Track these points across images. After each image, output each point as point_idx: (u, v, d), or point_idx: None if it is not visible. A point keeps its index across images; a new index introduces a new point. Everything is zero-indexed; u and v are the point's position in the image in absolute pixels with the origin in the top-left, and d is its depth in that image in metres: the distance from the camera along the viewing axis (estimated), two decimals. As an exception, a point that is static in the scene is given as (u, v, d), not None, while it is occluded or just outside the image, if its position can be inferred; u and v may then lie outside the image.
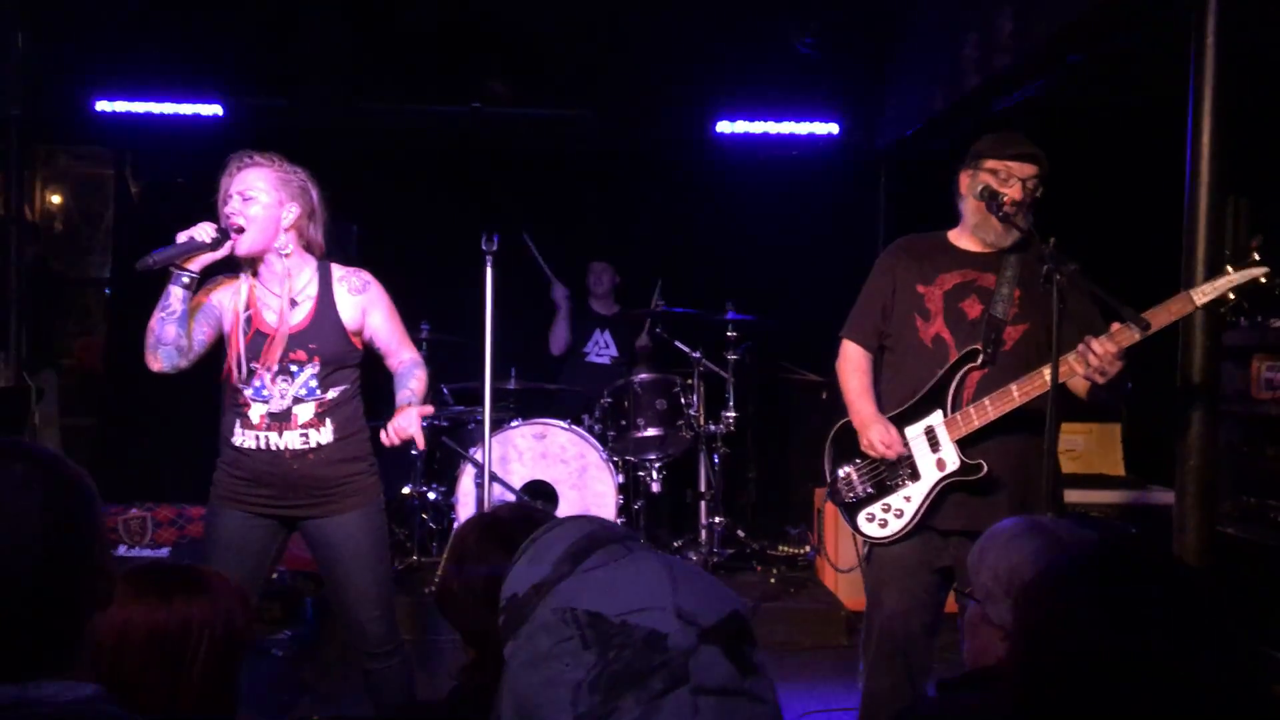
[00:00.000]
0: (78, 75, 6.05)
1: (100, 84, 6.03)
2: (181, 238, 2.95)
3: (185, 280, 2.97)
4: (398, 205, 6.37)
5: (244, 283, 3.10)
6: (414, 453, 5.64)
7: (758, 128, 6.29)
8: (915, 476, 3.10)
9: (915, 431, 3.10)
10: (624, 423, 5.64)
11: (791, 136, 6.33)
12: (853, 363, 3.28)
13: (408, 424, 3.05)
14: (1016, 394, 2.94)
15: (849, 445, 3.23)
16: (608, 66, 6.13)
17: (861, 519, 3.17)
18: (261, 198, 3.03)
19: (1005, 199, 3.00)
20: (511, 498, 5.34)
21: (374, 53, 5.88)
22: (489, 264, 3.73)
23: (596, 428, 5.70)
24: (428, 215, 6.52)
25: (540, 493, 5.46)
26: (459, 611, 1.88)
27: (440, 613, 1.93)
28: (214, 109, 5.97)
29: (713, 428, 5.71)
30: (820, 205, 6.72)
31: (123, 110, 6.07)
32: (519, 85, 6.09)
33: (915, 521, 3.08)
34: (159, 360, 3.00)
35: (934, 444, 3.08)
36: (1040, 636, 1.16)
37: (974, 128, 5.25)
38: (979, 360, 3.04)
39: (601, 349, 6.45)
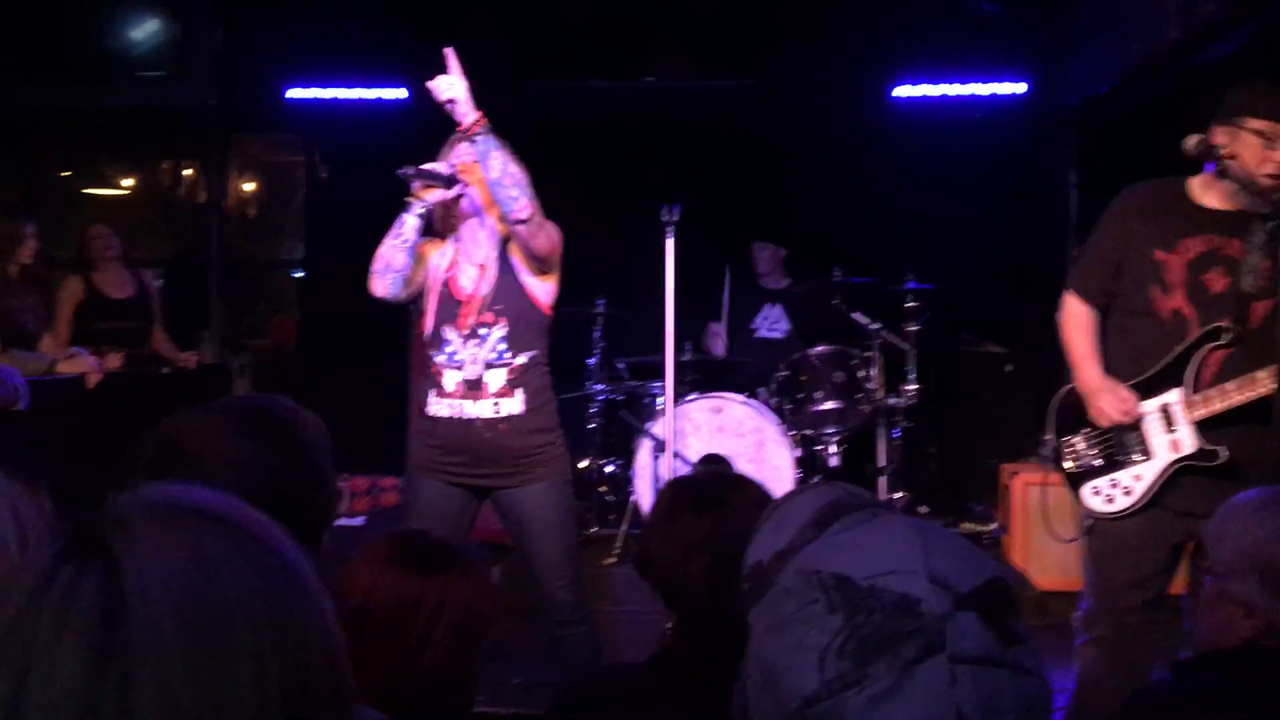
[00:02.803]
0: (270, 65, 6.32)
1: (291, 73, 6.28)
2: (428, 165, 3.12)
3: (419, 211, 3.11)
4: (570, 181, 6.42)
5: (450, 245, 3.24)
6: (591, 427, 5.70)
7: (938, 90, 6.09)
8: (1147, 454, 2.90)
9: (1150, 407, 2.89)
10: (801, 396, 5.56)
11: (974, 98, 6.11)
12: (1078, 319, 3.03)
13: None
14: (1264, 381, 2.71)
15: (1074, 411, 3.06)
16: (779, 35, 6.04)
17: (1086, 491, 3.01)
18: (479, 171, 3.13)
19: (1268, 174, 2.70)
20: (687, 471, 5.33)
21: (548, 30, 5.94)
22: (670, 235, 3.71)
23: (773, 401, 5.63)
24: (600, 190, 6.56)
25: (717, 466, 5.43)
26: (655, 573, 1.87)
27: (640, 575, 1.92)
28: (398, 93, 6.15)
29: (892, 401, 5.57)
30: (1005, 169, 6.46)
31: (312, 97, 6.31)
32: (691, 58, 6.05)
33: (1144, 500, 2.91)
34: (384, 286, 3.12)
35: (1169, 423, 2.87)
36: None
37: (1175, 82, 4.97)
38: (1224, 339, 2.79)
39: (772, 324, 6.35)
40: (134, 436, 1.43)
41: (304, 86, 6.28)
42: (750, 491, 1.84)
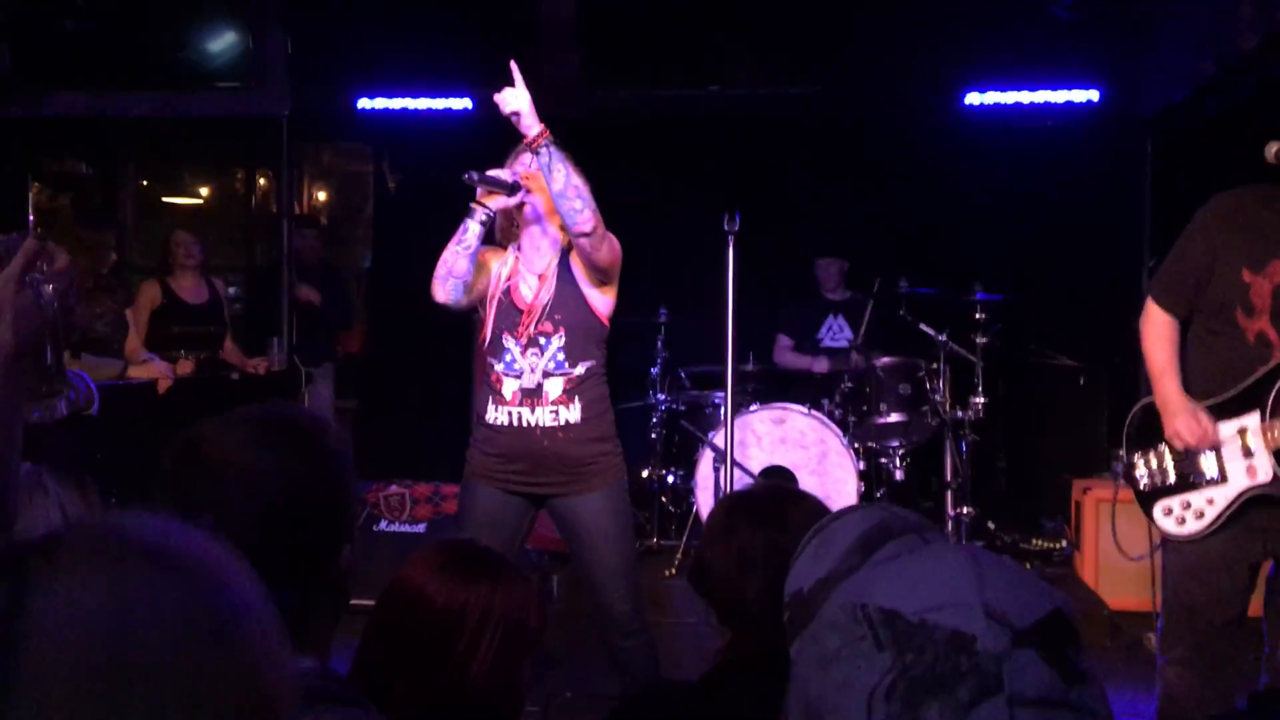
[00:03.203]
0: (341, 76, 6.41)
1: (362, 83, 6.36)
2: (492, 171, 3.13)
3: (482, 217, 3.13)
4: (634, 190, 6.43)
5: (511, 254, 3.26)
6: (653, 437, 5.68)
7: (1010, 98, 5.98)
8: (1222, 478, 2.80)
9: (1227, 430, 2.79)
10: (865, 408, 5.49)
11: (1047, 105, 5.98)
12: (1159, 330, 2.93)
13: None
14: None
15: (1150, 427, 2.97)
16: (847, 41, 5.97)
17: (1158, 510, 2.92)
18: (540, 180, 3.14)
19: None
20: (750, 482, 5.29)
21: (611, 39, 5.95)
22: (731, 244, 3.68)
23: (836, 413, 5.57)
24: (663, 199, 6.54)
25: (779, 478, 5.38)
26: (712, 586, 1.85)
27: (694, 588, 1.90)
28: (464, 102, 6.20)
29: (960, 414, 5.48)
30: (1077, 178, 6.31)
31: (380, 107, 6.39)
32: (757, 66, 6.02)
33: (1217, 525, 2.82)
34: (446, 291, 3.14)
35: (1246, 448, 2.77)
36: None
37: (1252, 91, 4.83)
38: None
39: (836, 334, 6.29)
40: None
41: (373, 96, 6.36)
42: (808, 506, 1.81)
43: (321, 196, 9.35)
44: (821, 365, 6.08)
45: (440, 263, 3.13)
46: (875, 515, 0.95)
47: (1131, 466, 2.98)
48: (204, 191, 9.47)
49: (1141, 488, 2.96)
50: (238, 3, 6.22)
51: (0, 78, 6.20)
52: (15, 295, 1.31)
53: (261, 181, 8.60)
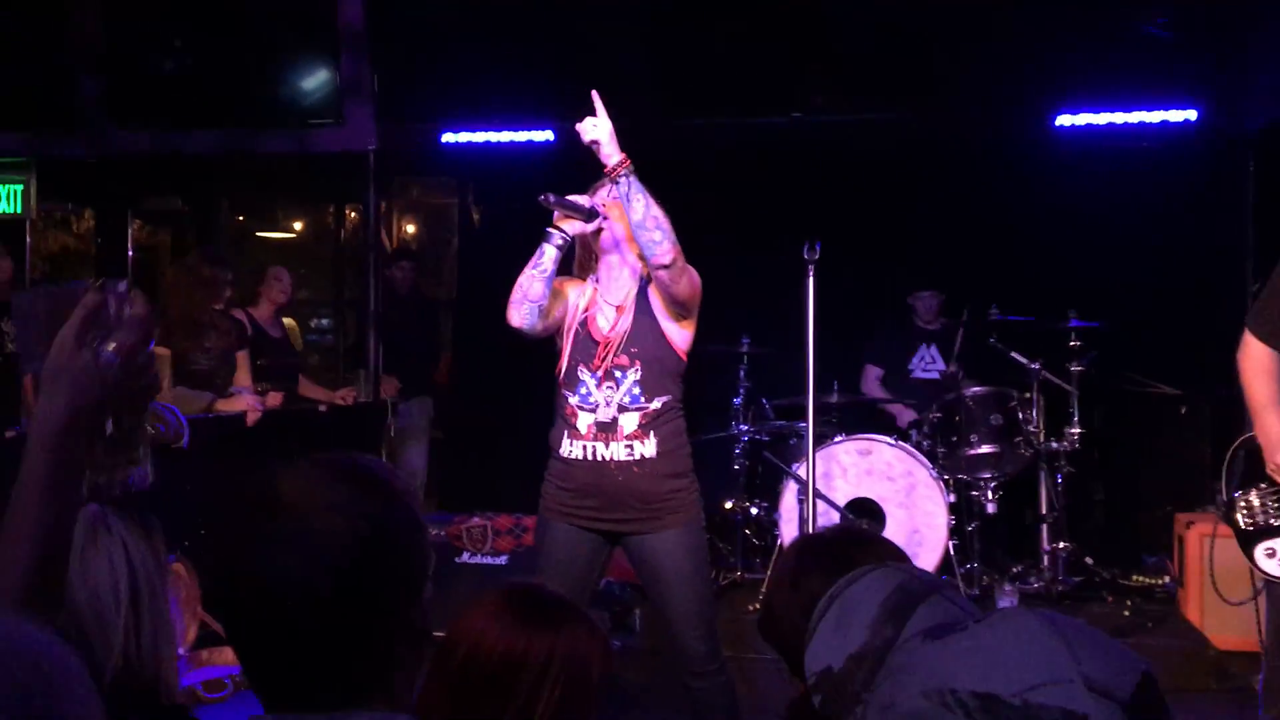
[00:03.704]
0: (425, 111, 6.49)
1: (445, 117, 6.44)
2: (570, 197, 3.12)
3: (558, 241, 3.11)
4: (715, 218, 6.38)
5: (590, 284, 3.24)
6: (736, 468, 5.61)
7: (1103, 119, 5.80)
8: None
9: None
10: (955, 439, 5.34)
11: (1141, 126, 5.79)
12: (1258, 363, 2.83)
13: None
14: None
15: (1251, 464, 2.83)
16: (931, 64, 5.86)
17: (1260, 552, 2.77)
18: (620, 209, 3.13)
19: None
20: (835, 516, 5.18)
21: (692, 68, 5.93)
22: (810, 273, 3.61)
23: (925, 444, 5.43)
24: (746, 227, 6.48)
25: (865, 511, 5.26)
26: (780, 636, 1.77)
27: (763, 637, 1.83)
28: (546, 134, 6.23)
29: (1055, 445, 5.30)
30: (1175, 200, 6.10)
31: (465, 141, 6.45)
32: (839, 91, 5.94)
33: None
34: (521, 316, 3.10)
35: None
36: None
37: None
38: None
39: (928, 364, 6.14)
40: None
41: (458, 130, 6.43)
42: (881, 552, 1.73)
43: (410, 229, 9.51)
44: (906, 417, 5.95)
45: (516, 287, 3.11)
46: (893, 578, 0.88)
47: (1232, 505, 2.83)
48: (296, 226, 9.70)
49: (1243, 527, 2.81)
50: (326, 41, 6.34)
51: (99, 117, 6.42)
52: (72, 358, 1.18)
53: (351, 215, 8.77)
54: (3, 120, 6.53)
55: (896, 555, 1.71)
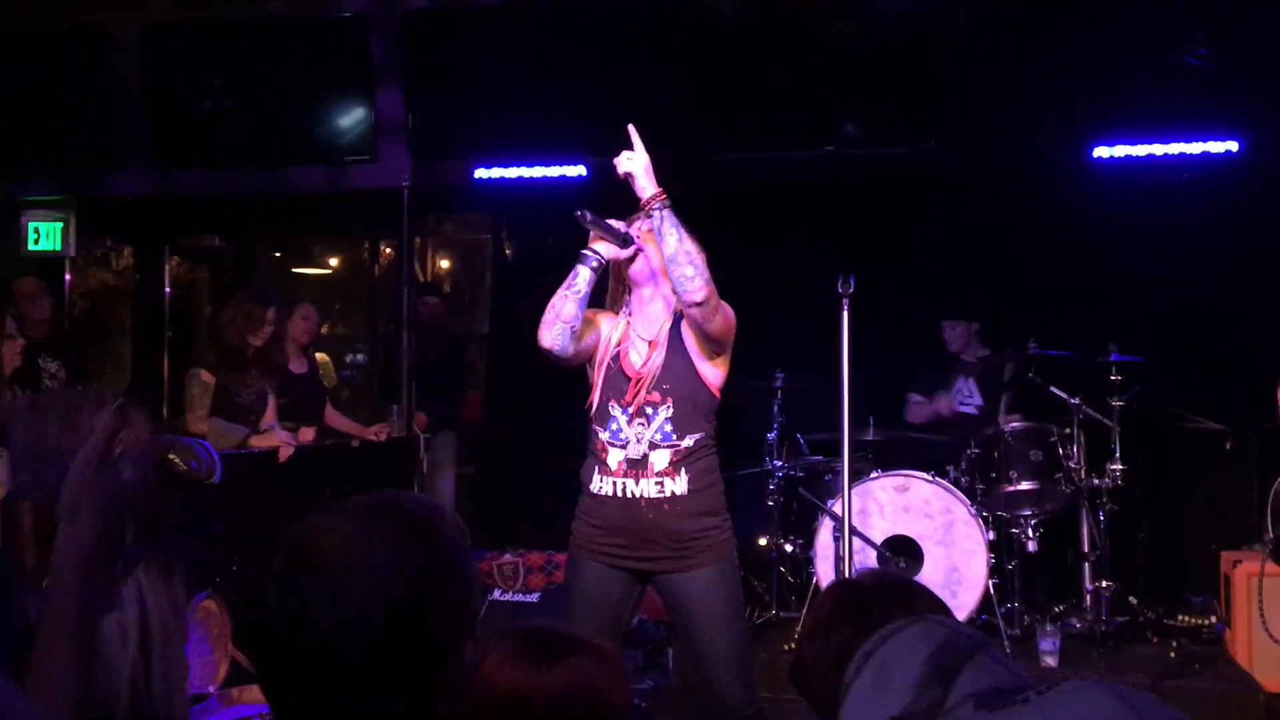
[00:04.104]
0: (459, 147, 6.52)
1: (478, 153, 6.46)
2: (608, 220, 3.10)
3: (593, 263, 3.08)
4: (749, 251, 6.35)
5: (623, 318, 3.20)
6: (770, 504, 5.54)
7: (1141, 150, 5.73)
8: None
9: None
10: (994, 475, 5.25)
11: (1182, 157, 5.71)
12: None
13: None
14: None
15: None
16: (965, 96, 5.82)
17: None
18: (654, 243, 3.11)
19: None
20: (872, 554, 5.09)
21: (725, 101, 5.92)
22: (845, 307, 3.56)
23: (963, 480, 5.34)
24: (780, 261, 6.44)
25: (903, 548, 5.17)
26: (809, 686, 1.71)
27: (793, 686, 1.77)
28: (578, 169, 6.24)
29: (1096, 482, 5.19)
30: (1218, 231, 6.00)
31: (498, 177, 6.47)
32: (874, 124, 5.90)
33: None
34: (552, 336, 3.06)
35: None
36: None
37: None
38: None
39: (966, 397, 6.05)
40: (322, 509, 1.36)
41: (490, 166, 6.45)
42: (919, 601, 1.67)
43: (444, 265, 9.55)
44: (943, 406, 5.90)
45: (549, 307, 3.07)
46: (935, 634, 0.81)
47: (1276, 544, 2.74)
48: (331, 262, 9.76)
49: None
50: (361, 79, 6.40)
51: (140, 155, 6.50)
52: (94, 485, 1.18)
53: (387, 251, 8.82)
54: (45, 159, 6.64)
55: (934, 604, 1.65)
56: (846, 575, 4.00)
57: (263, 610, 1.18)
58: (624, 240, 3.08)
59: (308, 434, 5.42)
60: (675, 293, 3.05)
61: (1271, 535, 2.78)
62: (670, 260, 2.97)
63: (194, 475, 4.45)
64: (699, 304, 2.96)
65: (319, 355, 6.05)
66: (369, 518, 1.27)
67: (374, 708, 1.15)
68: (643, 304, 3.17)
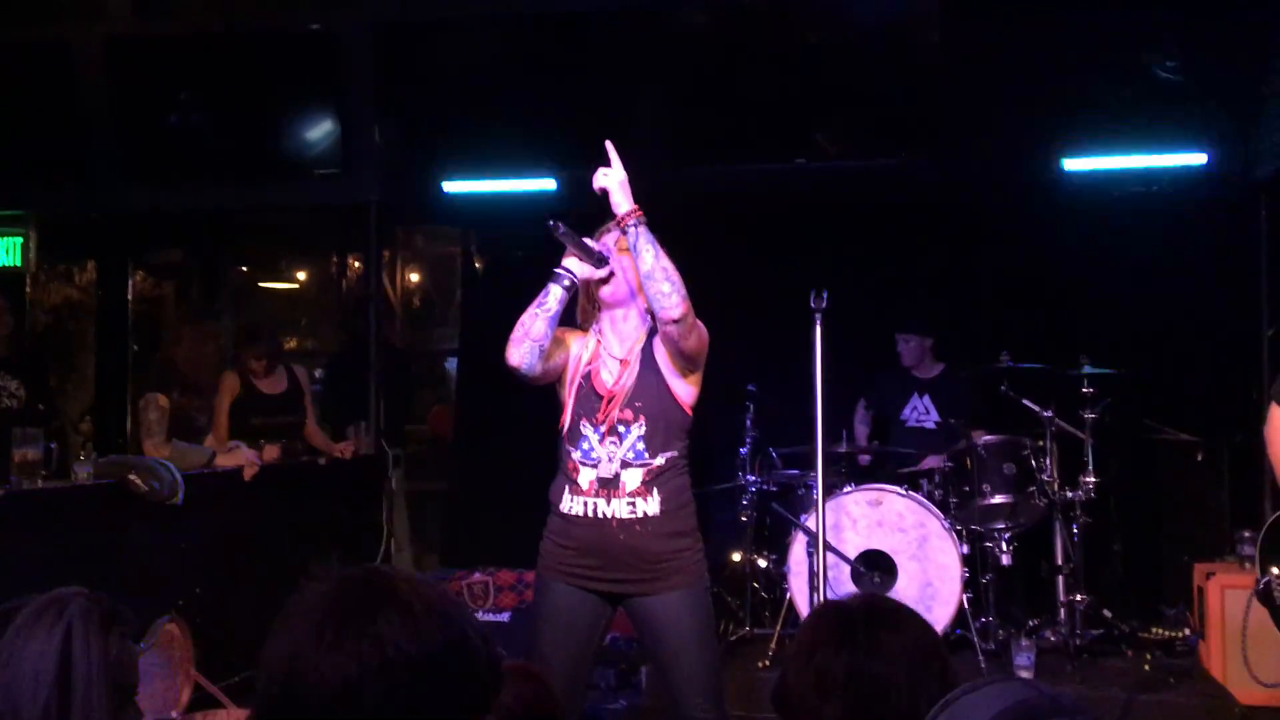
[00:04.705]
0: (428, 161, 6.46)
1: (448, 167, 6.40)
2: (584, 238, 3.04)
3: (565, 283, 3.02)
4: (720, 265, 6.32)
5: (593, 336, 3.14)
6: (743, 520, 5.50)
7: (1112, 162, 5.75)
8: None
9: None
10: (967, 489, 5.23)
11: (1151, 170, 5.73)
12: None
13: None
14: None
15: None
16: (939, 111, 5.81)
17: None
18: (628, 259, 3.06)
19: None
20: (846, 569, 5.05)
21: (696, 115, 5.89)
22: (818, 322, 3.54)
23: (936, 494, 5.32)
24: (751, 274, 6.40)
25: (876, 563, 5.14)
26: (789, 709, 1.67)
27: (775, 708, 1.72)
28: (548, 183, 6.19)
29: (1070, 494, 5.18)
30: (1186, 246, 6.02)
31: (467, 190, 6.42)
32: (845, 138, 5.89)
33: None
34: (520, 355, 3.00)
35: None
36: None
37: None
38: None
39: (921, 414, 5.99)
40: (289, 528, 1.33)
41: (460, 180, 6.40)
42: (908, 631, 1.61)
43: (414, 278, 9.47)
44: (862, 436, 6.03)
45: (518, 324, 3.02)
46: (1015, 692, 0.76)
47: (1268, 582, 2.73)
48: (300, 276, 9.66)
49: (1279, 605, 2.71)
50: (331, 94, 6.33)
51: (105, 170, 6.40)
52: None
53: (356, 265, 8.73)
54: (6, 174, 6.52)
55: (923, 638, 1.60)
56: (823, 592, 3.97)
57: (279, 651, 1.17)
58: (598, 260, 3.03)
59: (272, 452, 5.32)
60: (650, 310, 3.01)
61: (1261, 575, 2.76)
62: (647, 277, 2.92)
63: (157, 495, 4.37)
64: (676, 321, 2.92)
65: (298, 368, 5.92)
66: (410, 584, 1.24)
67: None
68: (614, 324, 3.12)
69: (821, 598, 3.95)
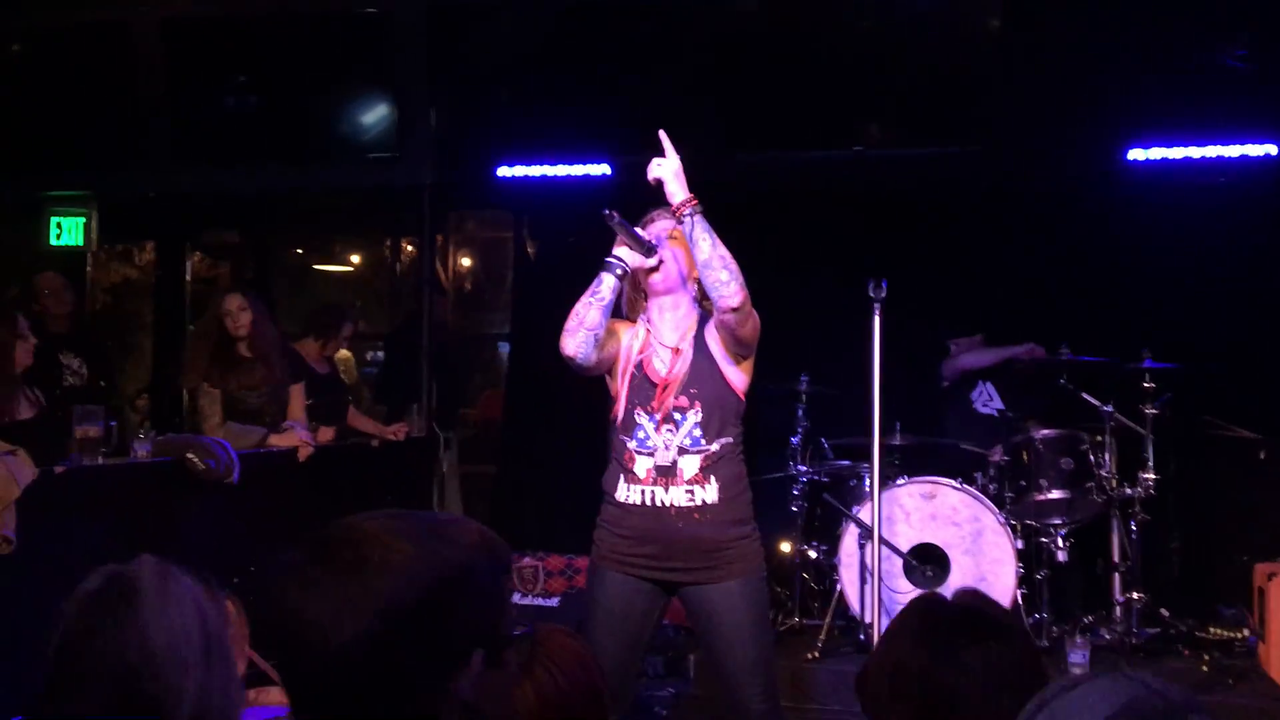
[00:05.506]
0: (482, 145, 6.47)
1: (502, 151, 6.40)
2: (635, 228, 3.05)
3: (618, 271, 3.03)
4: (774, 254, 6.26)
5: (642, 326, 3.14)
6: (794, 510, 5.46)
7: (1178, 153, 5.62)
8: None
9: None
10: (1023, 483, 5.15)
11: (1219, 160, 5.60)
12: None
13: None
14: None
15: None
16: (999, 99, 5.71)
17: None
18: (678, 247, 3.07)
19: None
20: (898, 562, 5.00)
21: (753, 101, 5.84)
22: (877, 311, 3.49)
23: (991, 488, 5.24)
24: (805, 263, 6.34)
25: (930, 557, 5.08)
26: (866, 695, 1.64)
27: (856, 691, 1.68)
28: (602, 168, 6.18)
29: (1128, 491, 5.08)
30: (1255, 237, 5.87)
31: (521, 175, 6.41)
32: (903, 125, 5.81)
33: None
34: (575, 344, 3.01)
35: None
36: None
37: None
38: None
39: (986, 400, 5.95)
40: (341, 509, 1.38)
41: (514, 164, 6.40)
42: (999, 649, 1.53)
43: (466, 263, 9.50)
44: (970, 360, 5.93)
45: (571, 314, 3.03)
46: (1125, 690, 0.72)
47: None
48: (354, 259, 9.73)
49: None
50: (385, 77, 6.35)
51: (163, 152, 6.47)
52: None
53: (408, 249, 8.77)
54: (67, 154, 6.62)
55: (1017, 655, 1.54)
56: (875, 586, 3.92)
57: (273, 599, 1.22)
58: (648, 250, 3.03)
59: (327, 434, 5.36)
60: (708, 298, 3.00)
61: None
62: (704, 266, 2.92)
63: (212, 474, 4.42)
64: (735, 309, 2.91)
65: (341, 353, 5.98)
66: (393, 523, 1.29)
67: (366, 704, 1.19)
68: (663, 312, 3.12)
69: (875, 592, 3.90)
